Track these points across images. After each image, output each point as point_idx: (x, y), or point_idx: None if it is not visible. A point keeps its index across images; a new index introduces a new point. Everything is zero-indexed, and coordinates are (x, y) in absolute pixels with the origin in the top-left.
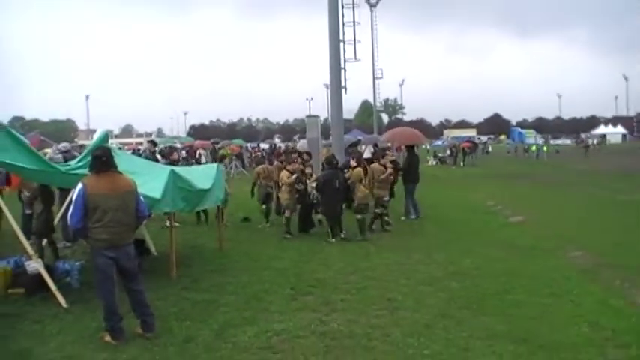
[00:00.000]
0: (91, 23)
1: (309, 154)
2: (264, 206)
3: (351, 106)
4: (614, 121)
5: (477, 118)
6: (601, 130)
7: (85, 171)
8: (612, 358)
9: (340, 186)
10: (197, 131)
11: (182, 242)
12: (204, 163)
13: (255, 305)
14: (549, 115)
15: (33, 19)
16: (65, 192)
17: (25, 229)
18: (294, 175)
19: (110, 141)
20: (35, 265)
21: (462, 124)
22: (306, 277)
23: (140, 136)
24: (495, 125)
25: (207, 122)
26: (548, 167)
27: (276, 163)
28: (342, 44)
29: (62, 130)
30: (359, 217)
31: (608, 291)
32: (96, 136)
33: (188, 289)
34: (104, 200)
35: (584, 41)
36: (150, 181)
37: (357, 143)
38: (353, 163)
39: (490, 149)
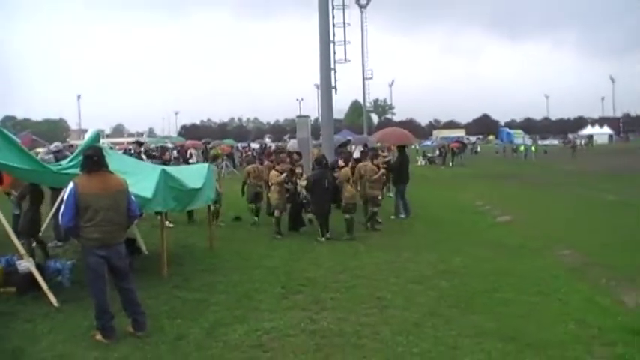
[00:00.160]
0: (83, 24)
1: (299, 153)
2: (252, 205)
3: (341, 106)
4: (601, 121)
5: (465, 118)
6: (588, 130)
7: (77, 170)
8: (599, 355)
9: (329, 185)
10: (188, 131)
11: (173, 241)
12: (193, 163)
13: (246, 304)
14: (537, 116)
15: (24, 20)
16: (57, 191)
17: (15, 228)
18: (284, 175)
19: (101, 141)
20: (26, 264)
21: (451, 125)
22: (296, 276)
23: (132, 135)
24: (484, 126)
25: (198, 122)
26: (537, 167)
27: (266, 162)
28: (332, 45)
29: (54, 129)
30: (347, 216)
31: (595, 289)
32: (87, 136)
33: (179, 288)
34: (95, 200)
35: (573, 43)
36: (141, 180)
37: (346, 143)
38: (341, 162)
39: (479, 149)
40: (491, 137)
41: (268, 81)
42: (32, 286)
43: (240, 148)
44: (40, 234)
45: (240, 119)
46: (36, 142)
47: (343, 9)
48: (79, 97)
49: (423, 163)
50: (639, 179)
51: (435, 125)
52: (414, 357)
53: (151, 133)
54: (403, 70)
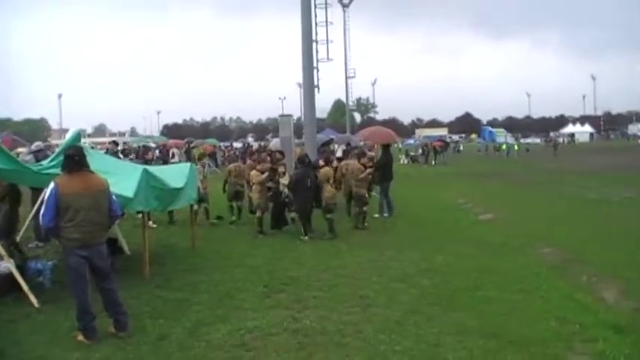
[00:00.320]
0: (63, 23)
1: (282, 152)
2: (232, 203)
3: (323, 105)
4: (582, 120)
5: (448, 117)
6: (569, 129)
7: (58, 170)
8: (580, 352)
9: (312, 184)
10: (170, 130)
11: (155, 241)
12: (175, 162)
13: (228, 303)
14: (519, 115)
15: (4, 19)
16: (37, 191)
17: None
18: (265, 174)
19: (83, 140)
20: (6, 265)
21: (434, 123)
22: (278, 275)
23: (113, 135)
24: (466, 124)
25: (180, 121)
26: (519, 166)
27: (248, 161)
28: (314, 44)
29: (35, 129)
30: (328, 216)
31: (576, 287)
32: (68, 135)
33: (161, 288)
34: (76, 199)
35: (554, 42)
36: (123, 180)
37: (329, 142)
38: (321, 162)
39: (461, 148)
40: (473, 136)
41: (251, 80)
42: (13, 287)
43: (223, 148)
44: (18, 235)
45: (222, 118)
46: (17, 142)
47: (326, 8)
48: (59, 96)
49: (406, 161)
50: (620, 177)
51: (417, 124)
52: (396, 355)
53: (133, 132)
54: (386, 69)
